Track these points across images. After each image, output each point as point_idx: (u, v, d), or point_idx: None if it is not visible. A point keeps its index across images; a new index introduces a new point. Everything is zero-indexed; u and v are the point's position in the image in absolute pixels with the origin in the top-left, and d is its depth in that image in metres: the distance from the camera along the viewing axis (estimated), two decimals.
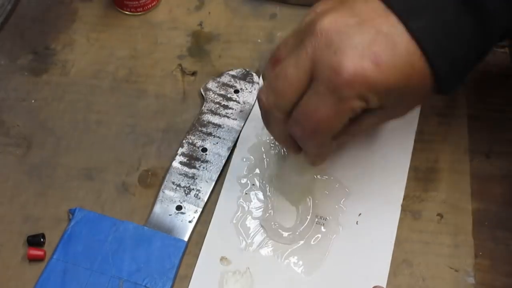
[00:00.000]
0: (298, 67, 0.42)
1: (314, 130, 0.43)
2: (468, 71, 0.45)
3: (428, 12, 0.41)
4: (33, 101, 0.60)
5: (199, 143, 0.56)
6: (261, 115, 0.46)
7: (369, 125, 0.46)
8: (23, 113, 0.59)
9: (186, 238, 0.51)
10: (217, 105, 0.58)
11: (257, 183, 0.54)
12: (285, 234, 0.51)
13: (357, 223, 0.52)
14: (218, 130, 0.57)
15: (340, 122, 0.42)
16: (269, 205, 0.52)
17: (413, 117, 0.56)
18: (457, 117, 0.57)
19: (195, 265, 0.50)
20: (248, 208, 0.53)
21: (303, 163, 0.50)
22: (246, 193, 0.53)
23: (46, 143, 0.57)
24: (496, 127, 0.56)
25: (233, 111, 0.58)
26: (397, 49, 0.40)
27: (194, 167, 0.55)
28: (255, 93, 0.59)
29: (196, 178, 0.54)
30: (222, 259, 0.50)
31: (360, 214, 0.52)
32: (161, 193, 0.53)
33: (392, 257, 0.50)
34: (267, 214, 0.52)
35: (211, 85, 0.59)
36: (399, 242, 0.51)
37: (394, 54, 0.40)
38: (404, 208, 0.52)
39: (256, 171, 0.54)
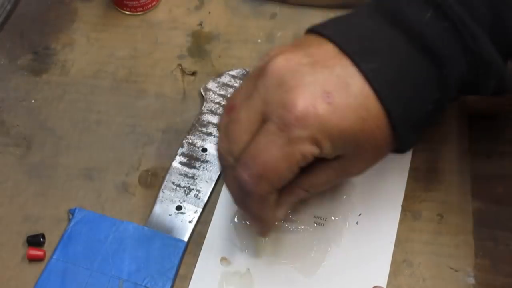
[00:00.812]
0: (249, 109, 0.41)
1: (260, 174, 0.40)
2: (425, 123, 0.44)
3: (381, 55, 0.41)
4: (33, 101, 0.60)
5: (199, 143, 0.56)
6: (220, 169, 0.46)
7: (324, 180, 0.44)
8: (23, 113, 0.59)
9: (186, 238, 0.51)
10: (217, 105, 0.58)
11: None
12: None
13: (357, 223, 0.52)
14: None
15: (289, 168, 0.40)
16: None
17: None
18: (457, 117, 0.57)
19: (195, 265, 0.50)
20: None
21: None
22: None
23: (46, 143, 0.57)
24: (496, 127, 0.56)
25: None
26: (351, 90, 0.40)
27: (194, 167, 0.55)
28: None
29: (196, 178, 0.54)
30: (222, 259, 0.50)
31: (360, 215, 0.52)
32: (161, 193, 0.53)
33: (392, 257, 0.50)
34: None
35: (211, 85, 0.59)
36: (399, 242, 0.51)
37: (348, 95, 0.40)
38: (404, 208, 0.52)
39: None
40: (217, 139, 0.44)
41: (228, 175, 0.44)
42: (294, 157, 0.40)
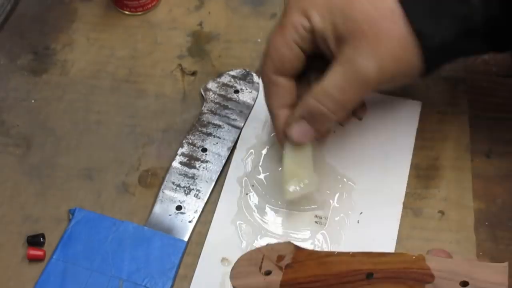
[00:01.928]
0: None
1: (265, 53, 0.46)
2: (451, 46, 0.43)
3: None
4: (33, 101, 0.60)
5: (199, 143, 0.56)
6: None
7: (334, 84, 0.44)
8: (23, 113, 0.59)
9: (186, 238, 0.51)
10: (217, 105, 0.58)
11: (257, 183, 0.54)
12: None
13: (358, 222, 0.52)
14: (218, 130, 0.56)
15: (286, 45, 0.44)
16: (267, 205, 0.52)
17: (414, 114, 0.56)
18: (458, 114, 0.57)
19: (195, 265, 0.50)
20: (249, 208, 0.53)
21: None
22: (246, 193, 0.53)
23: (46, 143, 0.57)
24: (496, 127, 0.56)
25: (233, 111, 0.58)
26: None
27: (194, 167, 0.54)
28: (255, 93, 0.59)
29: (196, 178, 0.54)
30: (223, 260, 0.50)
31: (361, 213, 0.52)
32: (161, 193, 0.53)
33: None
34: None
35: (211, 85, 0.59)
36: (401, 239, 0.51)
37: None
38: (406, 206, 0.52)
39: (256, 171, 0.54)
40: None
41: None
42: (287, 31, 0.43)
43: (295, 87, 0.48)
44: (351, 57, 0.42)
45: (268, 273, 0.40)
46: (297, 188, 0.49)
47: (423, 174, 0.54)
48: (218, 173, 0.54)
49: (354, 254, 0.39)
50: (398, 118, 0.57)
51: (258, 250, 0.42)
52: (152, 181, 0.55)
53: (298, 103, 0.47)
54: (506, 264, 0.35)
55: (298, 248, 0.41)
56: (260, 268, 0.41)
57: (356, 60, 0.42)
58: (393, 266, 0.38)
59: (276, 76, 0.46)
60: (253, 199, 0.53)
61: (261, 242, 0.51)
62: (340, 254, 0.40)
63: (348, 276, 0.38)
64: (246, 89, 0.59)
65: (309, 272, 0.39)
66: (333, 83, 0.44)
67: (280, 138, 0.50)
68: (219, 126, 0.57)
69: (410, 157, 0.54)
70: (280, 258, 0.41)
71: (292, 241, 0.42)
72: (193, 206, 0.53)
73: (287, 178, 0.49)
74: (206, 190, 0.53)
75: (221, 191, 0.54)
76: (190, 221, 0.52)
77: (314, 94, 0.45)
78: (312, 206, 0.52)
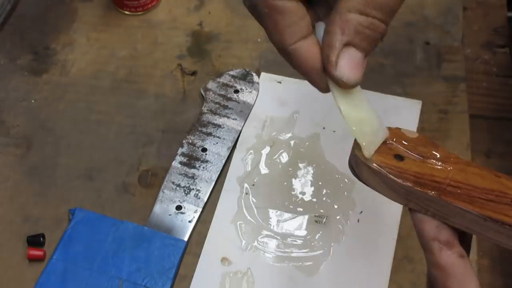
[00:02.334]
0: None
1: None
2: None
3: None
4: (33, 101, 0.60)
5: (199, 143, 0.56)
6: None
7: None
8: (23, 113, 0.59)
9: (186, 238, 0.51)
10: (217, 105, 0.58)
11: (257, 183, 0.54)
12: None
13: (358, 221, 0.52)
14: (218, 130, 0.56)
15: None
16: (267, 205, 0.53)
17: (414, 114, 0.56)
18: (458, 114, 0.57)
19: (195, 265, 0.50)
20: (249, 208, 0.53)
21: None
22: (246, 193, 0.53)
23: (46, 143, 0.57)
24: (496, 127, 0.56)
25: (233, 111, 0.58)
26: None
27: (194, 167, 0.54)
28: (255, 93, 0.59)
29: (196, 178, 0.54)
30: (223, 259, 0.50)
31: (361, 212, 0.52)
32: (161, 193, 0.53)
33: (394, 253, 0.50)
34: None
35: (211, 85, 0.59)
36: (401, 238, 0.51)
37: None
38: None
39: (255, 171, 0.54)
40: None
41: None
42: None
43: (306, 9, 0.36)
44: None
45: (400, 157, 0.35)
46: (374, 139, 0.38)
47: None
48: (218, 173, 0.54)
49: (498, 175, 0.34)
50: (398, 117, 0.57)
51: (396, 130, 0.36)
52: (152, 181, 0.55)
53: (328, 29, 0.35)
54: None
55: (432, 144, 0.35)
56: (392, 150, 0.35)
57: None
58: None
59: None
60: (253, 198, 0.53)
61: (261, 241, 0.51)
62: (482, 168, 0.35)
63: (492, 194, 0.33)
64: (246, 89, 0.59)
65: (448, 174, 0.34)
66: None
67: (318, 80, 0.37)
68: (219, 126, 0.57)
69: None
70: (414, 146, 0.35)
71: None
72: (193, 206, 0.53)
73: (358, 132, 0.38)
74: (206, 190, 0.53)
75: (221, 191, 0.54)
76: (190, 221, 0.52)
77: (353, 5, 0.34)
78: (313, 213, 0.52)
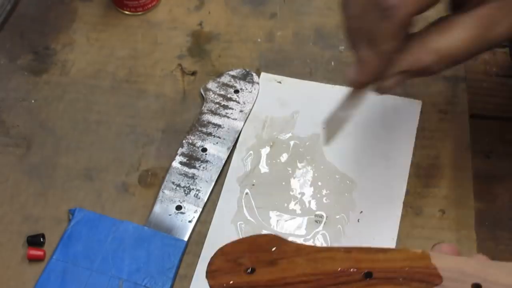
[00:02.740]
0: None
1: None
2: None
3: None
4: (33, 101, 0.60)
5: (199, 143, 0.56)
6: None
7: (459, 40, 0.37)
8: (23, 113, 0.59)
9: (186, 238, 0.51)
10: (217, 105, 0.58)
11: (257, 183, 0.54)
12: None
13: (358, 221, 0.52)
14: (218, 130, 0.56)
15: None
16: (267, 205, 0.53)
17: (414, 113, 0.56)
18: (458, 114, 0.57)
19: (195, 265, 0.50)
20: (249, 208, 0.53)
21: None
22: (246, 193, 0.53)
23: (46, 143, 0.57)
24: (496, 127, 0.56)
25: (233, 111, 0.58)
26: None
27: (194, 167, 0.54)
28: (255, 93, 0.59)
29: (196, 178, 0.54)
30: None
31: (361, 212, 0.52)
32: (161, 193, 0.53)
33: None
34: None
35: (211, 85, 0.59)
36: (401, 238, 0.51)
37: None
38: (406, 205, 0.52)
39: (255, 171, 0.54)
40: None
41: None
42: None
43: None
44: (492, 12, 0.37)
45: (251, 271, 0.35)
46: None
47: (423, 173, 0.54)
48: (218, 173, 0.54)
49: (349, 250, 0.34)
50: (398, 117, 0.57)
51: (239, 242, 0.36)
52: (152, 181, 0.55)
53: (405, 52, 0.39)
54: None
55: (284, 242, 0.36)
56: (241, 264, 0.35)
57: (495, 17, 0.37)
58: (395, 264, 0.33)
59: (409, 17, 0.37)
60: (253, 198, 0.53)
61: None
62: (332, 249, 0.35)
63: (344, 276, 0.33)
64: (246, 89, 0.59)
65: (298, 271, 0.34)
66: (458, 38, 0.37)
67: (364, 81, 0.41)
68: (219, 126, 0.57)
69: (411, 156, 0.54)
70: (264, 253, 0.35)
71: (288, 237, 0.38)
72: (193, 206, 0.53)
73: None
74: (206, 190, 0.53)
75: (221, 191, 0.54)
76: (190, 221, 0.52)
77: (432, 49, 0.38)
78: (315, 213, 0.52)
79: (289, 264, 0.34)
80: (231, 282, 0.34)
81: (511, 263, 0.32)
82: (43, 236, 0.52)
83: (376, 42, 0.38)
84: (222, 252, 0.36)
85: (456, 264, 0.33)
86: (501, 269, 0.32)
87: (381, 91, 0.41)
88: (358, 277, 0.33)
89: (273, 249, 0.35)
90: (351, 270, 0.33)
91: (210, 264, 0.36)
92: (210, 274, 0.35)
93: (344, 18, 0.40)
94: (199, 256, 0.51)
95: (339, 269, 0.34)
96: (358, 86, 0.42)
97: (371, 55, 0.39)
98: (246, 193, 0.53)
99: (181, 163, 0.55)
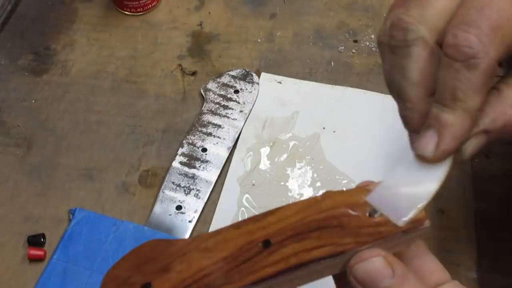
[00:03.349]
0: None
1: (495, 27, 0.30)
2: None
3: None
4: (33, 101, 0.60)
5: (199, 143, 0.56)
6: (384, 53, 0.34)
7: None
8: (24, 113, 0.59)
9: (186, 238, 0.51)
10: (217, 105, 0.58)
11: (257, 183, 0.54)
12: None
13: None
14: (218, 130, 0.57)
15: None
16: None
17: None
18: None
19: None
20: (248, 208, 0.53)
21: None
22: (246, 193, 0.53)
23: (46, 143, 0.57)
24: None
25: (233, 111, 0.58)
26: None
27: (194, 167, 0.55)
28: (255, 93, 0.59)
29: (196, 178, 0.54)
30: None
31: None
32: (161, 193, 0.53)
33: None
34: None
35: (211, 85, 0.59)
36: None
37: None
38: None
39: (255, 171, 0.54)
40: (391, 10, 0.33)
41: (410, 54, 0.33)
42: None
43: None
44: None
45: (146, 286, 0.31)
46: None
47: None
48: (218, 173, 0.54)
49: (238, 225, 0.32)
50: (398, 117, 0.57)
51: (122, 260, 0.32)
52: (152, 181, 0.55)
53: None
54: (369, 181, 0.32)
55: (169, 242, 0.32)
56: (134, 284, 0.31)
57: None
58: (287, 222, 0.31)
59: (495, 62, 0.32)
60: (253, 199, 0.53)
61: None
62: (221, 231, 0.32)
63: (243, 254, 0.31)
64: (246, 89, 0.59)
65: (195, 267, 0.31)
66: None
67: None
68: (219, 126, 0.57)
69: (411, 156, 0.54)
70: (153, 262, 0.32)
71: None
72: (193, 206, 0.53)
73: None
74: (206, 190, 0.53)
75: (221, 191, 0.54)
76: (190, 221, 0.52)
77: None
78: None
79: (183, 264, 0.31)
80: None
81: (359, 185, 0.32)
82: (43, 236, 0.52)
83: (459, 99, 0.32)
84: (109, 279, 0.32)
85: (343, 199, 0.32)
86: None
87: (460, 159, 0.35)
88: (257, 249, 0.31)
89: (159, 255, 0.32)
90: (247, 245, 0.31)
91: None
92: None
93: (403, 86, 0.34)
94: None
95: (236, 249, 0.31)
96: (439, 159, 0.34)
97: (457, 116, 0.32)
98: (246, 193, 0.53)
99: (181, 163, 0.55)
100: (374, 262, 0.31)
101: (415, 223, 0.31)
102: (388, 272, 0.31)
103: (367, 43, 0.62)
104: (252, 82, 0.59)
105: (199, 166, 0.55)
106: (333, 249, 0.31)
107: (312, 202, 0.32)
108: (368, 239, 0.31)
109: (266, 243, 0.31)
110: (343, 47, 0.62)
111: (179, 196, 0.53)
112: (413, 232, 0.32)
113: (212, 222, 0.52)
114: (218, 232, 0.32)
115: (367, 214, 0.31)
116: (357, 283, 0.31)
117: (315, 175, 0.54)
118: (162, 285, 0.31)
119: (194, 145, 0.56)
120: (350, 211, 0.31)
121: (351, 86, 0.59)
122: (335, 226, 0.31)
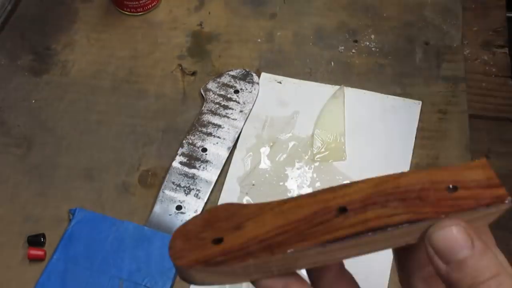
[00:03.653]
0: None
1: None
2: None
3: None
4: (33, 101, 0.60)
5: (199, 143, 0.56)
6: None
7: None
8: (24, 113, 0.59)
9: None
10: (217, 105, 0.58)
11: (257, 183, 0.54)
12: None
13: None
14: (218, 130, 0.57)
15: None
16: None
17: (414, 114, 0.57)
18: (457, 114, 0.57)
19: None
20: None
21: None
22: (246, 193, 0.53)
23: (46, 143, 0.57)
24: (495, 127, 0.56)
25: (233, 111, 0.58)
26: None
27: (194, 167, 0.55)
28: (255, 93, 0.59)
29: (196, 178, 0.54)
30: None
31: None
32: (161, 193, 0.53)
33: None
34: None
35: (211, 85, 0.59)
36: None
37: None
38: None
39: (255, 171, 0.55)
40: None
41: None
42: None
43: None
44: None
45: (218, 240, 0.32)
46: None
47: None
48: (218, 173, 0.54)
49: (313, 194, 0.32)
50: (398, 117, 0.57)
51: (194, 219, 0.33)
52: (152, 181, 0.55)
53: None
54: (484, 158, 0.32)
55: (242, 206, 0.33)
56: (205, 238, 0.32)
57: None
58: (365, 193, 0.32)
59: None
60: (253, 198, 0.53)
61: None
62: (295, 198, 0.32)
63: (318, 217, 0.31)
64: (246, 89, 0.59)
65: (268, 226, 0.31)
66: None
67: None
68: (219, 126, 0.57)
69: (410, 156, 0.54)
70: (226, 221, 0.32)
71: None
72: (193, 206, 0.53)
73: None
74: (206, 190, 0.54)
75: (221, 191, 0.54)
76: None
77: None
78: None
79: (256, 223, 0.32)
80: (201, 257, 0.31)
81: (475, 161, 0.32)
82: (43, 236, 0.52)
83: None
84: (180, 233, 0.33)
85: (425, 176, 0.32)
86: (468, 168, 0.31)
87: None
88: (333, 213, 0.31)
89: (232, 217, 0.32)
90: (323, 210, 0.31)
91: (170, 248, 0.33)
92: (174, 256, 0.32)
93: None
94: None
95: (311, 212, 0.31)
96: None
97: None
98: (246, 193, 0.53)
99: (181, 163, 0.55)
100: (453, 231, 0.30)
101: (497, 199, 0.31)
102: (467, 243, 0.30)
103: (367, 43, 0.62)
104: (252, 82, 0.59)
105: (199, 166, 0.55)
106: (413, 216, 0.31)
107: (390, 178, 0.32)
108: (448, 210, 0.31)
109: (343, 209, 0.31)
110: (343, 47, 0.62)
111: (179, 196, 0.53)
112: (494, 207, 0.32)
113: None
114: (293, 199, 0.32)
115: (447, 190, 0.31)
116: (434, 253, 0.30)
117: (314, 175, 0.54)
118: (234, 240, 0.31)
119: (194, 145, 0.56)
120: (429, 186, 0.32)
121: (351, 86, 0.59)
122: (414, 198, 0.31)
